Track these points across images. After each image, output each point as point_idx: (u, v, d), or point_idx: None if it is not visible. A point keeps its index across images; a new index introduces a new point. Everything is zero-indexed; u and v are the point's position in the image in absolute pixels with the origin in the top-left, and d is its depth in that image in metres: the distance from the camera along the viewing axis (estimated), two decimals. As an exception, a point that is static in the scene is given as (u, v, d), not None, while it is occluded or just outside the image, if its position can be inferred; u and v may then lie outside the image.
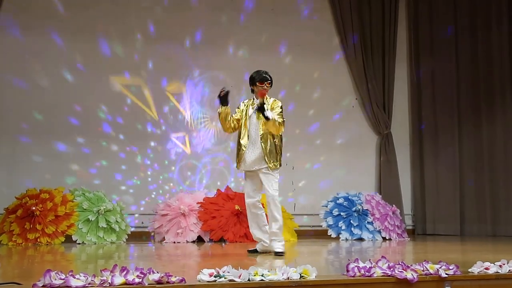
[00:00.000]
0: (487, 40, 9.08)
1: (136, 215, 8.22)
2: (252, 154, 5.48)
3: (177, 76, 8.61)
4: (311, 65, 9.12)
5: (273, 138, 5.50)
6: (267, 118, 5.29)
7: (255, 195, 5.58)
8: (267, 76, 5.56)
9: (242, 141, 5.55)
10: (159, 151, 8.47)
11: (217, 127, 8.51)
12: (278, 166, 5.49)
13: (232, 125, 5.58)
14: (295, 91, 8.99)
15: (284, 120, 5.45)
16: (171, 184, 8.47)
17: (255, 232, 5.62)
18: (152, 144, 8.45)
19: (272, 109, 5.45)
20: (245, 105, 5.66)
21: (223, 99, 5.43)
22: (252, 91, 5.62)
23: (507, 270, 3.82)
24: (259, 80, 5.53)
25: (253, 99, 5.64)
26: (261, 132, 5.48)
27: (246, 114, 5.58)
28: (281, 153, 5.57)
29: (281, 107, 5.52)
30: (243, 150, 5.51)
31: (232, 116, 5.58)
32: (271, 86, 5.58)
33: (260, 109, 5.33)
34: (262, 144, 5.45)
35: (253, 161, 5.47)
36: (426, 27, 9.55)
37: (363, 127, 9.41)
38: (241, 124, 5.59)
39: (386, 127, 9.34)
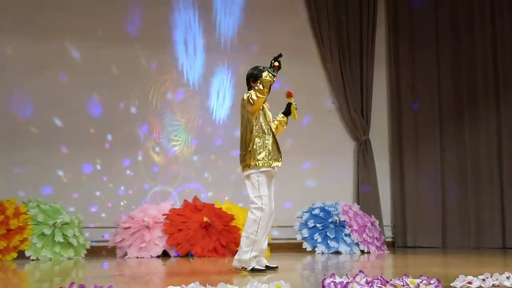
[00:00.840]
0: (470, 43, 9.19)
1: (96, 228, 8.14)
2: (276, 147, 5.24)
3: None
4: (284, 67, 9.03)
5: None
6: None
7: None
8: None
9: (265, 133, 5.23)
10: (122, 160, 8.45)
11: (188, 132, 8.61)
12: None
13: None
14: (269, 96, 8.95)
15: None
16: (135, 195, 8.43)
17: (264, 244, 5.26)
18: (115, 152, 8.42)
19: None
20: None
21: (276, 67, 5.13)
22: (250, 88, 5.33)
23: (491, 284, 3.85)
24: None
25: None
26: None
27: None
28: None
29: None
30: (268, 140, 5.21)
31: None
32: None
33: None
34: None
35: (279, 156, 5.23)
36: (406, 29, 9.65)
37: (340, 132, 9.46)
38: (257, 116, 5.23)
39: (364, 132, 9.39)
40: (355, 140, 9.47)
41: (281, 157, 5.29)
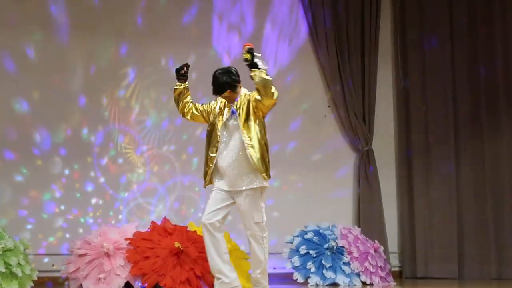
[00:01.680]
0: (489, 39, 9.18)
1: (45, 255, 8.07)
2: (231, 168, 5.75)
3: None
4: (270, 63, 8.99)
5: (261, 141, 5.82)
6: (255, 66, 5.57)
7: (217, 214, 5.83)
8: (216, 87, 5.83)
9: (211, 151, 5.86)
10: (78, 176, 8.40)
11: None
12: (268, 178, 5.81)
13: (193, 109, 5.99)
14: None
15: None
16: (92, 217, 8.41)
17: (215, 262, 5.89)
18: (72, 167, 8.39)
19: (249, 101, 5.82)
20: (221, 104, 5.94)
21: (181, 73, 5.96)
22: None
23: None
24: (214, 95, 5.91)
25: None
26: (249, 137, 5.77)
27: (220, 115, 5.89)
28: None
29: None
30: (211, 163, 5.85)
31: (192, 102, 6.01)
32: (235, 85, 5.83)
33: (250, 50, 5.59)
34: (251, 152, 5.72)
35: (234, 178, 5.77)
36: (416, 20, 9.63)
37: (337, 142, 9.42)
38: (212, 128, 5.92)
39: (366, 142, 9.34)
40: (355, 150, 9.43)
41: None
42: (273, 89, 5.62)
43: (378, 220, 9.21)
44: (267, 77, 5.58)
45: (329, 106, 9.39)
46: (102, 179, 8.50)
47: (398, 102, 9.68)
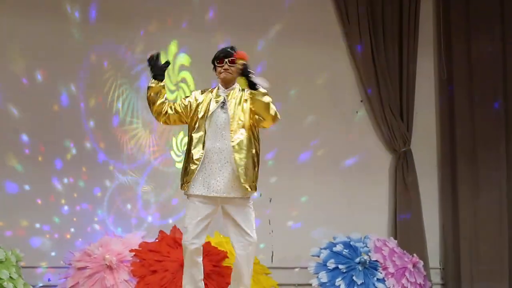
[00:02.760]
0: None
1: (41, 268, 8.11)
2: (216, 172, 5.52)
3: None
4: (294, 52, 9.16)
5: (252, 145, 5.57)
6: (254, 87, 5.35)
7: (202, 235, 5.66)
8: (227, 51, 5.59)
9: (194, 150, 5.56)
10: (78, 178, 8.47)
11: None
12: (254, 191, 5.55)
13: (170, 111, 5.68)
14: (273, 88, 8.92)
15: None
16: (94, 225, 8.44)
17: None
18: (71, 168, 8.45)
19: (245, 100, 5.57)
20: (203, 95, 5.71)
21: (156, 67, 5.63)
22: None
23: None
24: (217, 59, 5.64)
25: (218, 87, 5.73)
26: (236, 139, 5.51)
27: (206, 109, 5.61)
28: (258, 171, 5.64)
29: None
30: (195, 164, 5.53)
31: (168, 100, 5.71)
32: (243, 65, 5.46)
33: (245, 71, 5.37)
34: (236, 156, 5.47)
35: (217, 184, 5.52)
36: (462, 4, 9.61)
37: (371, 141, 9.47)
38: (195, 124, 5.63)
39: (404, 142, 9.39)
40: (391, 151, 9.48)
41: None
42: (272, 111, 5.46)
43: (418, 231, 9.21)
44: (267, 101, 5.42)
45: (361, 101, 9.44)
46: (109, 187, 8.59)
47: (441, 97, 9.69)
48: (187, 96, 5.83)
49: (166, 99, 5.71)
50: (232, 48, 5.62)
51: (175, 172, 8.44)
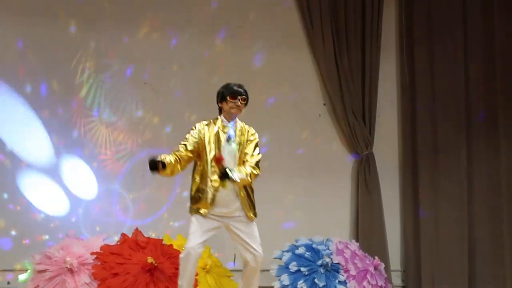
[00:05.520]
0: (507, 30, 9.22)
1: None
2: (225, 195, 5.92)
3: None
4: (261, 57, 9.19)
5: None
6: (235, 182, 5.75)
7: (203, 245, 5.96)
8: (241, 90, 5.97)
9: (211, 177, 5.90)
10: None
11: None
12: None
13: (186, 164, 5.98)
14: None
15: (259, 162, 6.05)
16: (55, 225, 8.38)
17: None
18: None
19: (246, 141, 5.99)
20: (209, 128, 6.01)
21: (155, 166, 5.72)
22: (220, 111, 6.06)
23: None
24: (230, 94, 5.93)
25: (222, 120, 6.02)
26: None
27: (217, 140, 5.94)
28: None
29: (257, 144, 6.09)
30: (211, 188, 5.89)
31: (176, 154, 5.88)
32: (246, 103, 6.00)
33: (224, 175, 5.68)
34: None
35: (227, 205, 5.95)
36: (424, 7, 9.67)
37: (333, 145, 9.49)
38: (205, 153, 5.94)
39: (367, 145, 9.43)
40: (354, 154, 9.50)
41: None
42: (252, 180, 5.99)
43: (379, 233, 9.27)
44: (245, 182, 5.89)
45: (324, 104, 9.46)
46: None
47: (403, 101, 9.74)
48: (192, 130, 6.02)
49: (176, 157, 5.86)
50: (243, 88, 6.01)
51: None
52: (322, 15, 9.32)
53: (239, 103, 5.94)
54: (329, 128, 9.49)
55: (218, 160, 5.84)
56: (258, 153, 6.05)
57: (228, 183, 5.75)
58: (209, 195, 5.86)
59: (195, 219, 5.91)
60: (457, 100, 9.45)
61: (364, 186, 9.37)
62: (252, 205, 6.06)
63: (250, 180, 5.90)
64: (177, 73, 8.88)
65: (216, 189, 5.86)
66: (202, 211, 5.89)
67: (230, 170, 5.71)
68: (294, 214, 9.16)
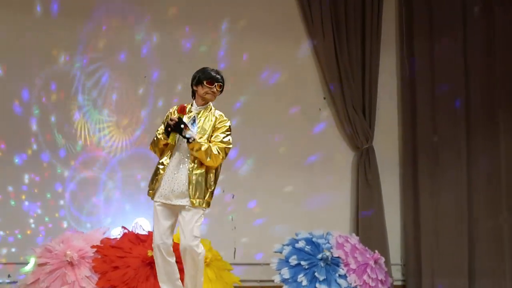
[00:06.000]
0: (508, 26, 9.14)
1: (1, 264, 8.12)
2: (173, 181, 5.71)
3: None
4: (256, 47, 9.18)
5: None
6: (188, 140, 5.54)
7: (168, 236, 5.79)
8: (219, 76, 5.83)
9: (163, 159, 5.78)
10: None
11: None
12: (204, 206, 5.69)
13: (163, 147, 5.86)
14: (230, 84, 8.92)
15: (225, 149, 5.71)
16: (55, 220, 8.42)
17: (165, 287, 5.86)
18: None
19: (215, 130, 5.75)
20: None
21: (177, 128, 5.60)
22: (193, 94, 5.93)
23: None
24: (208, 79, 5.76)
25: (192, 104, 5.91)
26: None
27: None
28: (213, 188, 5.76)
29: (229, 130, 5.82)
30: (160, 172, 5.76)
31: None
32: (221, 91, 5.87)
33: (177, 127, 5.54)
34: (190, 168, 5.66)
35: (173, 191, 5.70)
36: (424, 1, 9.67)
37: (334, 139, 9.51)
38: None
39: (367, 139, 9.45)
40: (354, 149, 9.54)
41: None
42: (208, 161, 5.62)
43: (379, 227, 9.29)
44: (198, 155, 5.61)
45: (324, 98, 9.48)
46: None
47: (403, 95, 9.76)
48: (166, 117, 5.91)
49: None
50: (221, 75, 5.86)
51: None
52: (322, 8, 9.32)
53: (215, 89, 5.81)
54: (329, 122, 9.50)
55: (180, 109, 5.69)
56: (227, 140, 5.77)
57: (176, 139, 5.62)
58: (159, 172, 5.74)
59: (154, 208, 5.78)
60: (456, 94, 9.40)
61: (364, 180, 9.37)
62: (202, 192, 5.65)
63: (205, 153, 5.56)
64: (177, 66, 8.86)
65: (165, 166, 5.72)
66: (150, 192, 5.78)
67: (186, 124, 5.56)
68: (294, 207, 9.14)
